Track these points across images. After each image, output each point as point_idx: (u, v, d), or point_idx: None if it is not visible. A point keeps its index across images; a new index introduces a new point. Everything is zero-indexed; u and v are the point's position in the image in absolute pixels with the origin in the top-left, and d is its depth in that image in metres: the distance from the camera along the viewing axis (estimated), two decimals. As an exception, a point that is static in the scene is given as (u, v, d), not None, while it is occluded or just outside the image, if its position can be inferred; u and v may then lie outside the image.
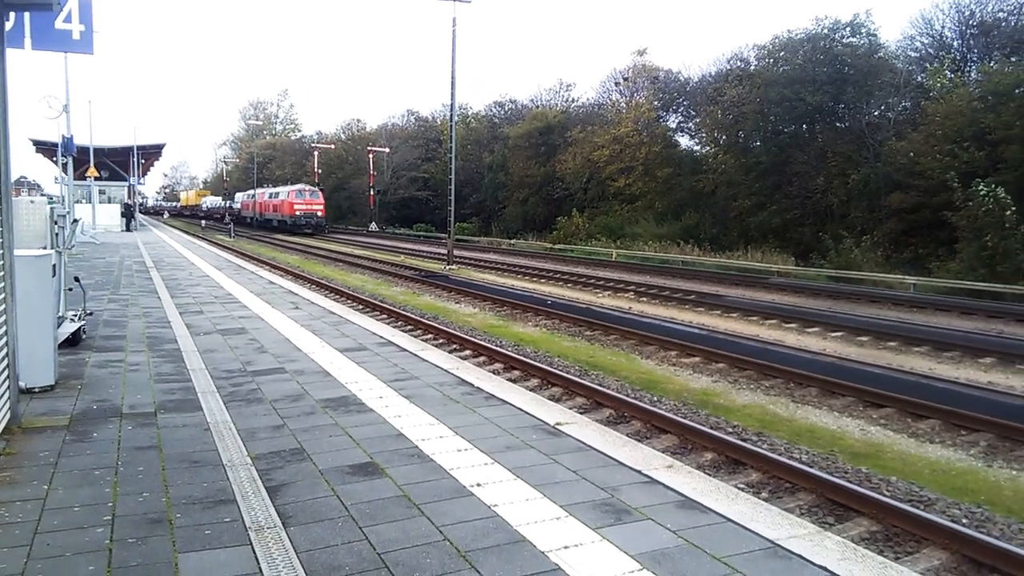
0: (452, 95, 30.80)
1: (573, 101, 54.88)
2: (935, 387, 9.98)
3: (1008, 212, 21.31)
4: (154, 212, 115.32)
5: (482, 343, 12.51)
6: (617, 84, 47.71)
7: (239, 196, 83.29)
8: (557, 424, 6.21)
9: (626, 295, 20.80)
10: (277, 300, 14.46)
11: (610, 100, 48.03)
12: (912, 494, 6.45)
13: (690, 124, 43.62)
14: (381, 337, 10.43)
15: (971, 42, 31.32)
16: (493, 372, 10.21)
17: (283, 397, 6.98)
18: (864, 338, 13.97)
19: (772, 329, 15.22)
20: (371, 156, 63.30)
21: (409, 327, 14.54)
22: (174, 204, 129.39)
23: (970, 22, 31.06)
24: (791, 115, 32.96)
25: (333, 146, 77.74)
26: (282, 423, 6.15)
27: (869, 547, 5.34)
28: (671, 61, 75.95)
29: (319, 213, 58.21)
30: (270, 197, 64.66)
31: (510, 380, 9.75)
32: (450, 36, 29.67)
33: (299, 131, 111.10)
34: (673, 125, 44.88)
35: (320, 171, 71.08)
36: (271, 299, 14.60)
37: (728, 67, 39.67)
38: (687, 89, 43.73)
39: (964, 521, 5.91)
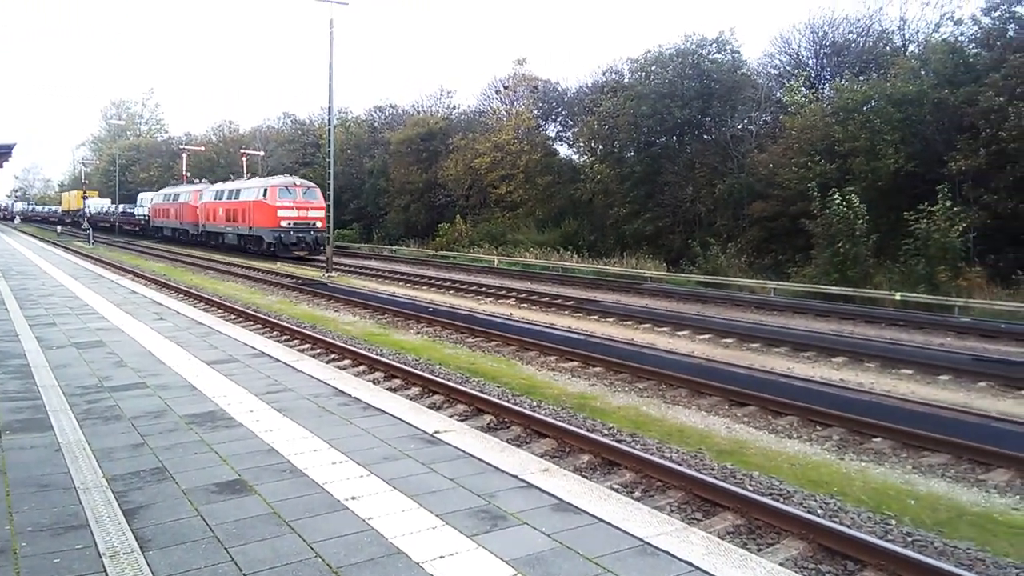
0: (330, 98, 30.16)
1: (455, 108, 54.94)
2: (793, 386, 10.63)
3: (860, 221, 23.05)
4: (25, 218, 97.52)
5: (361, 352, 12.28)
6: (498, 92, 48.19)
7: (146, 198, 62.29)
8: (436, 432, 6.17)
9: (508, 301, 21.00)
10: (139, 311, 13.65)
11: (491, 108, 48.41)
12: (773, 488, 6.82)
13: (568, 133, 44.61)
14: (253, 348, 10.04)
15: (824, 61, 33.70)
16: (372, 381, 10.05)
17: (144, 414, 6.59)
18: (729, 340, 14.71)
19: (645, 333, 15.77)
20: (244, 159, 60.89)
21: (285, 337, 14.09)
22: (34, 207, 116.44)
23: (824, 42, 33.42)
24: (662, 127, 34.34)
25: (203, 148, 74.32)
26: (142, 441, 5.80)
27: (734, 540, 5.61)
28: (550, 71, 77.63)
29: (319, 224, 36.62)
30: (222, 198, 42.50)
31: (390, 389, 9.63)
32: (327, 38, 29.07)
33: (166, 132, 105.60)
34: (552, 134, 45.78)
35: (189, 174, 67.77)
36: (133, 310, 13.77)
37: (604, 79, 40.88)
38: (565, 99, 44.70)
39: (819, 512, 6.30)
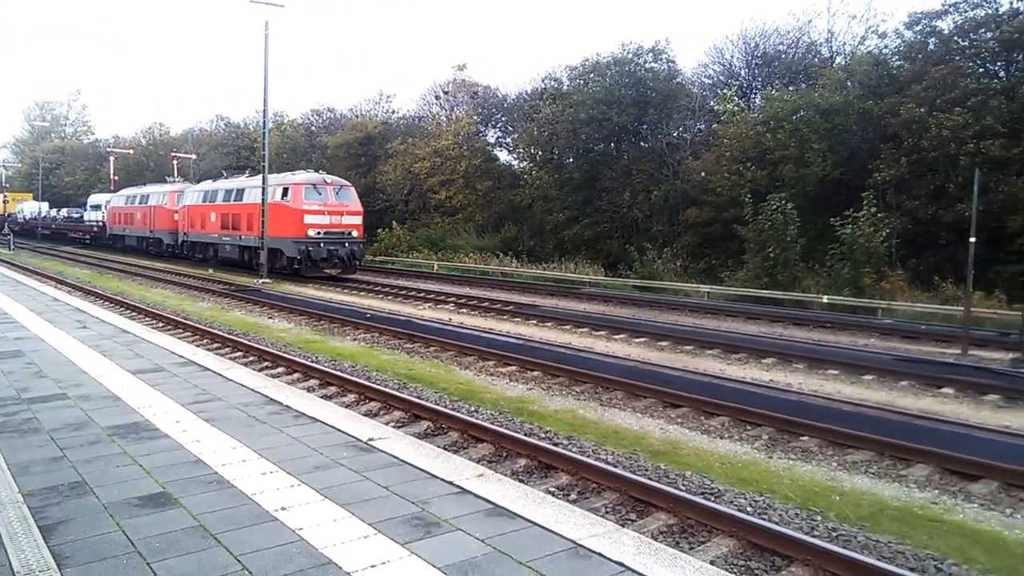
0: (264, 100, 29.59)
1: (394, 112, 54.53)
2: (725, 387, 10.86)
3: (790, 227, 23.75)
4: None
5: (296, 359, 12.06)
6: (437, 97, 48.02)
7: (98, 200, 52.97)
8: (370, 440, 6.10)
9: (447, 306, 20.92)
10: (61, 319, 13.12)
11: (431, 113, 48.22)
12: (705, 487, 6.95)
13: (508, 139, 44.79)
14: (181, 356, 9.76)
15: (756, 71, 34.66)
16: (307, 389, 9.88)
17: (63, 426, 6.33)
18: (664, 343, 14.96)
19: (583, 337, 15.91)
20: (175, 162, 59.23)
21: (215, 345, 13.73)
22: None
23: (755, 53, 34.36)
24: (600, 134, 34.74)
25: (132, 151, 71.99)
26: (61, 455, 5.57)
27: (666, 540, 5.70)
28: (490, 77, 77.77)
29: (355, 233, 29.44)
30: (215, 200, 34.09)
31: (324, 397, 9.48)
32: (263, 40, 28.54)
33: (92, 134, 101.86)
34: (492, 140, 45.87)
35: (117, 178, 65.46)
36: (54, 318, 13.23)
37: (543, 86, 41.17)
38: (505, 105, 44.85)
39: (749, 510, 6.43)
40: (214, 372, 8.80)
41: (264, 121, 31.07)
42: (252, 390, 7.90)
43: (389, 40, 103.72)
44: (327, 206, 28.51)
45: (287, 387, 8.52)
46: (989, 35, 23.22)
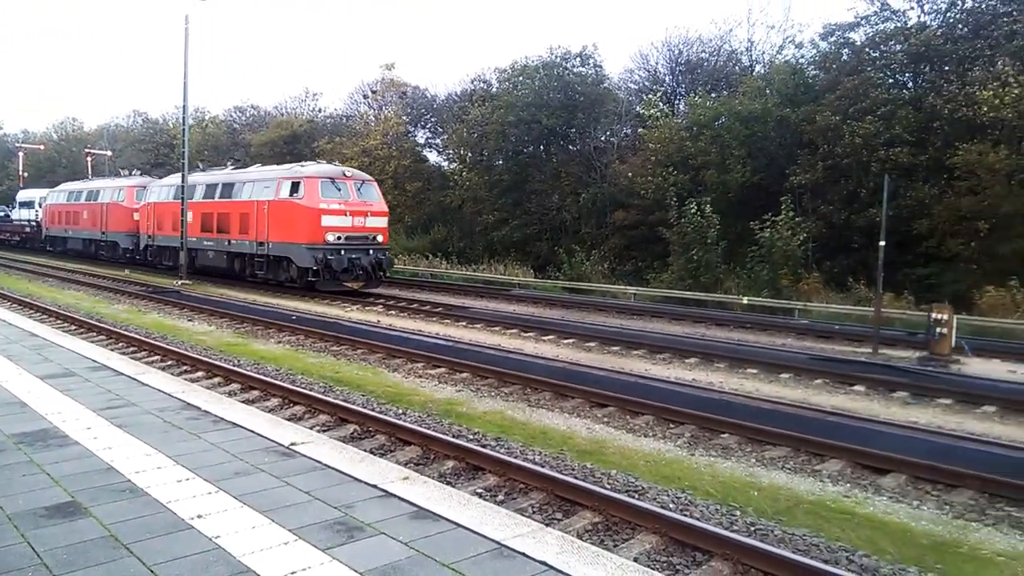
0: (184, 96, 28.65)
1: (320, 110, 53.70)
2: (650, 386, 11.05)
3: (712, 229, 24.41)
4: None
5: (216, 363, 11.71)
6: (365, 97, 47.46)
7: (32, 196, 46.89)
8: (292, 444, 5.97)
9: (375, 308, 20.68)
10: (-38, 322, 12.41)
11: (359, 112, 47.61)
12: (629, 485, 7.05)
13: (438, 140, 44.65)
14: (94, 361, 9.35)
15: (680, 78, 35.52)
16: (227, 394, 9.61)
17: (-39, 435, 5.97)
18: (592, 344, 15.15)
19: (513, 338, 15.96)
20: (90, 159, 56.75)
21: (131, 348, 13.23)
22: None
23: (679, 60, 35.23)
24: (529, 136, 34.99)
25: (43, 147, 68.71)
26: (-41, 466, 5.26)
27: (591, 538, 5.76)
28: (419, 78, 77.29)
29: (380, 238, 24.60)
30: (194, 196, 28.07)
31: (246, 401, 9.25)
32: (183, 34, 27.66)
33: (0, 128, 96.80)
34: (422, 140, 45.62)
35: (26, 174, 62.31)
36: (-46, 321, 12.50)
37: (472, 87, 41.23)
38: (434, 106, 44.69)
39: (671, 506, 6.56)
40: (128, 376, 8.46)
41: (184, 117, 30.05)
42: (168, 395, 7.63)
43: (316, 37, 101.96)
44: (348, 205, 23.34)
45: (206, 392, 8.27)
46: (898, 47, 24.41)
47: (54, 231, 41.37)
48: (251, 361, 12.46)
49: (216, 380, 10.85)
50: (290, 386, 10.25)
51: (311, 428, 7.80)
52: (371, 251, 23.64)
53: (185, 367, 11.72)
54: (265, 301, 21.70)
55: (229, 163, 33.13)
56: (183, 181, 27.91)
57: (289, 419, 8.06)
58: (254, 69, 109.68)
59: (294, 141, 46.85)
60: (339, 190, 23.46)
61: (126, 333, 14.45)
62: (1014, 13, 22.11)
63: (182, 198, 27.57)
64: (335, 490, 4.97)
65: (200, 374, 11.23)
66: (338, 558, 3.93)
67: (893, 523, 6.37)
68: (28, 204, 46.90)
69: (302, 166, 25.25)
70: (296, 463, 5.53)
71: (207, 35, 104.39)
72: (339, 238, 22.80)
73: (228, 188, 27.04)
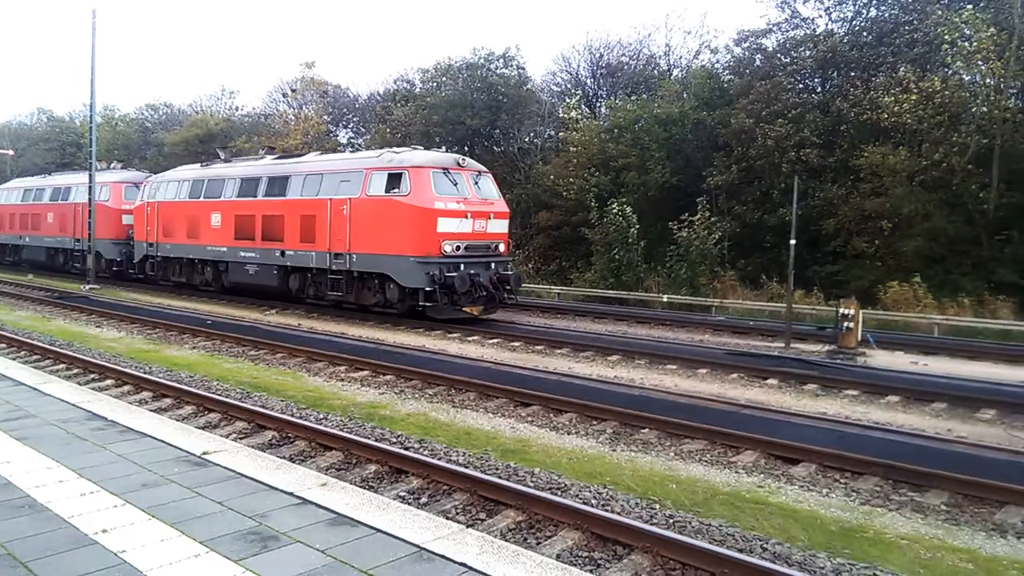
0: (92, 93, 27.44)
1: (237, 109, 52.27)
2: (573, 384, 11.17)
3: (632, 229, 24.87)
4: None
5: (126, 370, 11.23)
6: (285, 95, 46.44)
7: None
8: (204, 453, 5.77)
9: (296, 312, 20.22)
10: None
11: (278, 111, 46.54)
12: (552, 482, 7.09)
13: (360, 140, 44.02)
14: (-9, 371, 8.84)
15: (601, 81, 36.05)
16: (138, 402, 9.24)
17: None
18: (516, 343, 15.21)
19: (437, 339, 15.87)
20: (-11, 158, 53.63)
21: (34, 357, 12.57)
22: None
23: (600, 63, 35.75)
24: (454, 136, 34.87)
25: (-65, 145, 64.54)
26: None
27: (515, 536, 5.77)
28: (341, 76, 76.13)
29: (502, 248, 19.08)
30: (223, 194, 22.58)
31: (158, 410, 8.91)
32: (90, 28, 26.49)
33: None
34: (344, 140, 44.86)
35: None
36: None
37: (395, 87, 40.86)
38: (356, 105, 44.09)
39: (593, 502, 6.63)
40: (29, 387, 8.03)
41: (91, 115, 28.76)
42: (73, 405, 7.28)
43: (232, 33, 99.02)
44: (469, 204, 18.05)
45: (114, 401, 7.93)
46: (807, 53, 25.39)
47: (4, 238, 34.96)
48: (163, 368, 12.01)
49: (126, 388, 10.41)
50: (205, 393, 9.92)
51: (226, 436, 7.57)
52: (493, 264, 18.42)
53: (93, 375, 11.20)
54: (181, 305, 20.91)
55: (262, 151, 26.57)
56: (91, 180, 26.60)
57: (203, 427, 7.81)
58: (167, 66, 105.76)
59: (210, 140, 45.41)
60: (455, 184, 18.09)
61: (29, 341, 13.72)
62: (914, 22, 23.30)
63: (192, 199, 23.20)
64: (249, 499, 4.83)
65: (109, 382, 10.75)
66: (252, 569, 3.82)
67: (804, 511, 6.61)
68: None
69: (396, 152, 19.26)
70: (209, 473, 5.35)
71: (116, 30, 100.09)
72: (458, 248, 17.55)
73: (279, 183, 20.74)
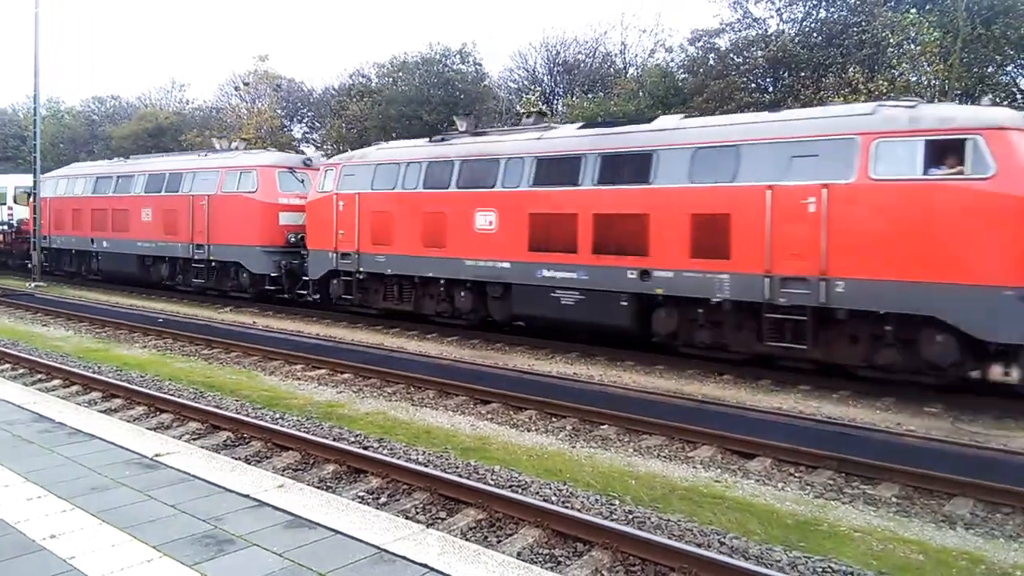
0: (35, 85, 26.68)
1: (188, 102, 51.13)
2: (533, 381, 11.21)
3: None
4: None
5: (74, 370, 10.93)
6: (237, 88, 45.57)
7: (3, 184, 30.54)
8: (156, 455, 5.63)
9: (250, 310, 19.86)
10: None
11: (230, 104, 45.68)
12: (512, 480, 7.10)
13: (315, 135, 43.42)
14: (-72, 372, 8.51)
15: (558, 78, 36.14)
16: (87, 403, 8.99)
17: None
18: (476, 340, 15.15)
19: (395, 337, 15.75)
20: (-74, 151, 51.57)
21: (-24, 357, 12.13)
22: None
23: (556, 61, 35.84)
24: (411, 132, 34.51)
25: None
26: None
27: (475, 535, 5.76)
28: (294, 70, 74.85)
29: None
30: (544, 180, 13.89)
31: (108, 411, 8.68)
32: (33, 18, 25.68)
33: None
34: (298, 135, 44.22)
35: None
36: None
37: (351, 81, 40.34)
38: (311, 100, 43.45)
39: (553, 499, 6.65)
40: (-30, 389, 7.75)
41: (35, 108, 27.93)
42: (18, 407, 7.04)
43: (183, 24, 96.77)
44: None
45: (61, 402, 7.69)
46: (759, 53, 25.76)
47: (66, 241, 26.09)
48: (113, 367, 11.71)
49: (74, 389, 10.13)
50: (156, 393, 9.70)
51: (179, 437, 7.40)
52: None
53: (39, 375, 10.87)
54: (131, 303, 20.39)
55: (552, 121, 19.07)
56: (35, 174, 25.76)
57: (155, 428, 7.63)
58: (114, 57, 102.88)
59: (159, 134, 44.38)
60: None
61: (-32, 341, 13.25)
62: (863, 24, 23.82)
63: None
64: (204, 502, 4.72)
65: (56, 383, 10.44)
66: (207, 573, 3.74)
67: (760, 505, 6.72)
68: None
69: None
70: (161, 475, 5.22)
71: (61, 19, 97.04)
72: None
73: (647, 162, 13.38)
